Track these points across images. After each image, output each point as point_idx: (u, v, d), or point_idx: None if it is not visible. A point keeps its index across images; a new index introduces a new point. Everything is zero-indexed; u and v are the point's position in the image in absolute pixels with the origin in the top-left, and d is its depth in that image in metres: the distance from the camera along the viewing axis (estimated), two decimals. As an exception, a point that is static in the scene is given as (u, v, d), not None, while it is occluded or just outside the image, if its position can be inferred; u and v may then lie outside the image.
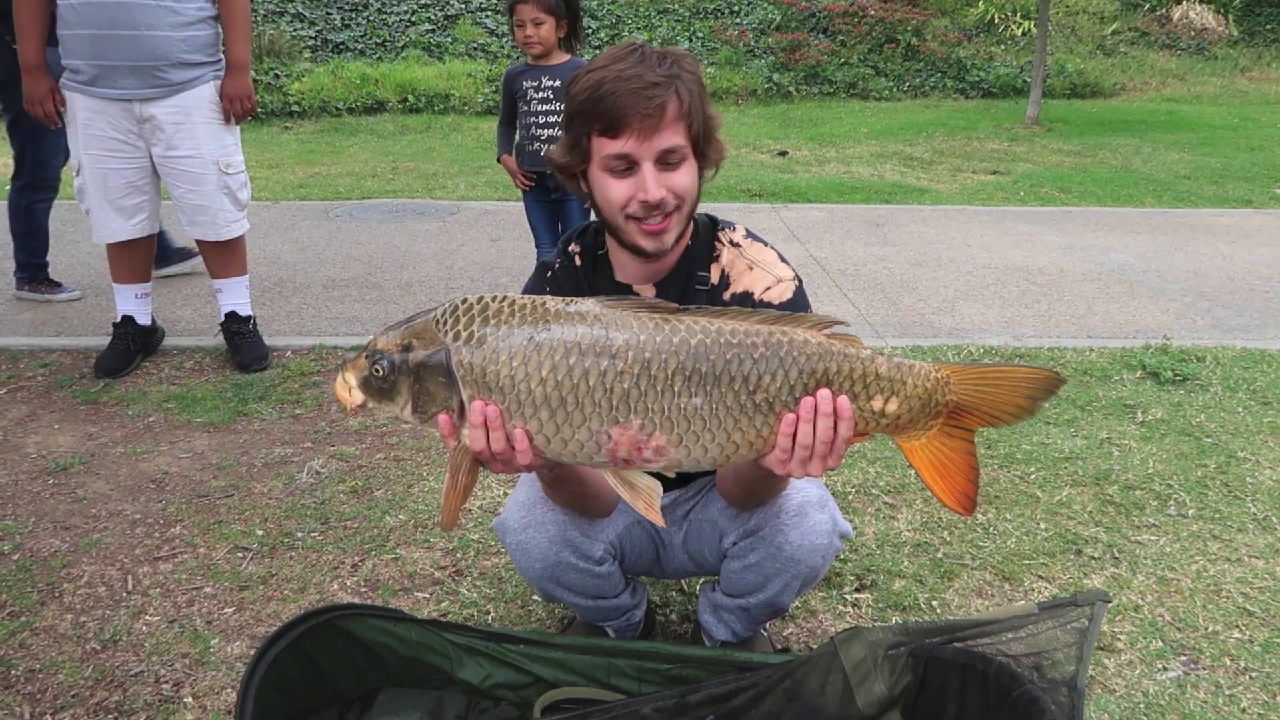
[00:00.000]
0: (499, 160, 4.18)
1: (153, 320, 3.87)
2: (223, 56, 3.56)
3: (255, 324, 3.86)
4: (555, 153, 1.67)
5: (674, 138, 1.58)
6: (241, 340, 3.79)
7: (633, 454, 1.37)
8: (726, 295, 1.74)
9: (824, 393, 1.37)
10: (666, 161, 1.59)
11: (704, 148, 1.63)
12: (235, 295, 3.81)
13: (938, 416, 1.44)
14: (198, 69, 3.46)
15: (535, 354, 1.33)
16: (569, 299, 1.40)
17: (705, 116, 1.61)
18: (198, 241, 3.75)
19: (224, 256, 3.75)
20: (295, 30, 12.20)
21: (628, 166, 1.58)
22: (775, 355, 1.36)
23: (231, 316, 3.79)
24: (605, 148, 1.58)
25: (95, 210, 3.56)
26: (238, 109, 3.57)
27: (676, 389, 1.34)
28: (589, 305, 1.38)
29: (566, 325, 1.35)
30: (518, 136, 4.05)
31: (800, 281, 1.76)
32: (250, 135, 9.78)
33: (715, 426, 1.37)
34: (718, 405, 1.36)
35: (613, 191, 1.60)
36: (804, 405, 1.37)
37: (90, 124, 3.43)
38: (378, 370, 1.38)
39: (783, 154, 9.02)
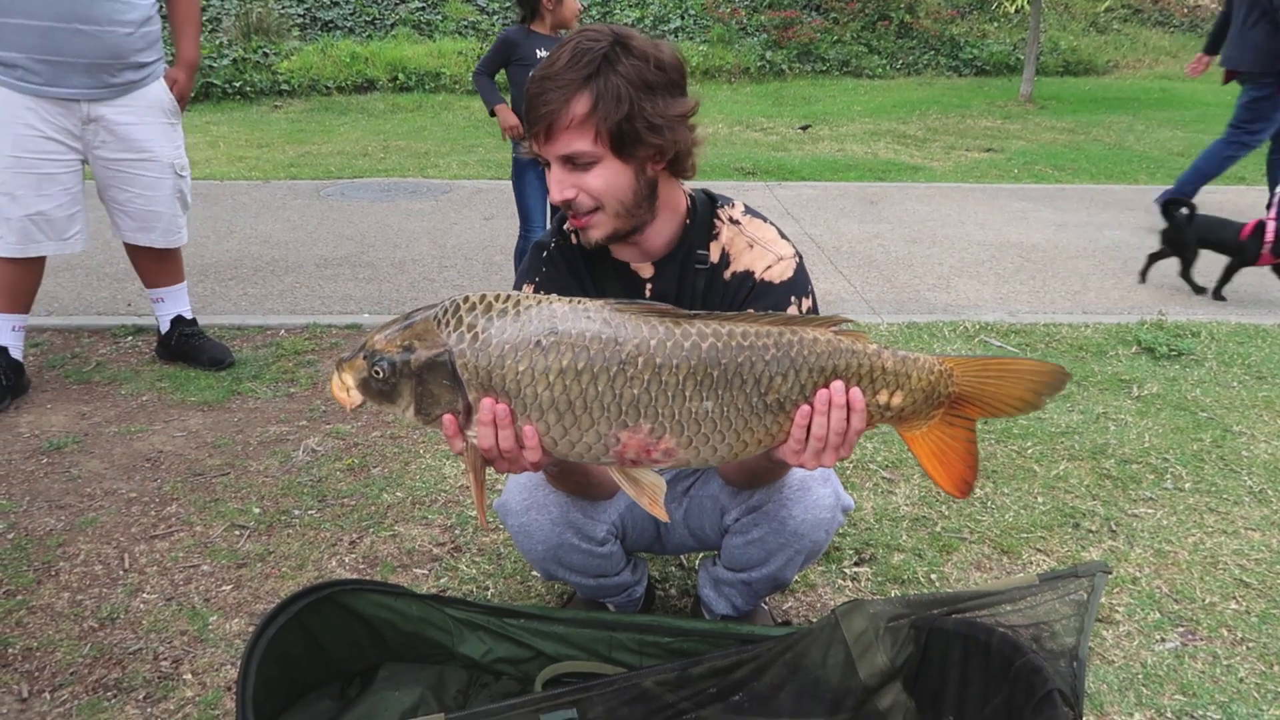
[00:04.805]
0: (493, 112, 3.99)
1: (21, 360, 3.30)
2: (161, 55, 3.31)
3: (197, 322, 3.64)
4: None
5: (576, 142, 1.50)
6: (199, 340, 3.58)
7: (641, 455, 1.37)
8: (727, 274, 1.71)
9: (838, 384, 1.38)
10: (575, 163, 1.53)
11: (630, 149, 1.52)
12: (179, 302, 3.57)
13: (939, 407, 1.45)
14: (147, 68, 3.21)
15: (543, 357, 1.31)
16: (576, 300, 1.38)
17: (632, 116, 1.49)
18: (132, 248, 3.42)
19: (168, 264, 3.51)
20: (283, 8, 12.07)
21: (548, 162, 1.57)
22: (786, 356, 1.36)
23: (178, 320, 3.56)
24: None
25: (19, 221, 3.09)
26: (175, 94, 3.32)
27: (688, 393, 1.34)
28: (597, 307, 1.35)
29: (574, 328, 1.32)
30: (508, 97, 4.02)
31: (801, 258, 1.74)
32: (239, 114, 9.70)
33: (726, 428, 1.37)
34: (729, 407, 1.36)
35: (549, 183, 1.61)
36: (819, 398, 1.38)
37: (17, 120, 3.01)
38: (377, 372, 1.34)
39: (805, 127, 8.94)
